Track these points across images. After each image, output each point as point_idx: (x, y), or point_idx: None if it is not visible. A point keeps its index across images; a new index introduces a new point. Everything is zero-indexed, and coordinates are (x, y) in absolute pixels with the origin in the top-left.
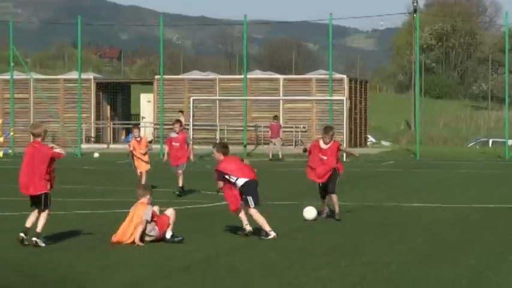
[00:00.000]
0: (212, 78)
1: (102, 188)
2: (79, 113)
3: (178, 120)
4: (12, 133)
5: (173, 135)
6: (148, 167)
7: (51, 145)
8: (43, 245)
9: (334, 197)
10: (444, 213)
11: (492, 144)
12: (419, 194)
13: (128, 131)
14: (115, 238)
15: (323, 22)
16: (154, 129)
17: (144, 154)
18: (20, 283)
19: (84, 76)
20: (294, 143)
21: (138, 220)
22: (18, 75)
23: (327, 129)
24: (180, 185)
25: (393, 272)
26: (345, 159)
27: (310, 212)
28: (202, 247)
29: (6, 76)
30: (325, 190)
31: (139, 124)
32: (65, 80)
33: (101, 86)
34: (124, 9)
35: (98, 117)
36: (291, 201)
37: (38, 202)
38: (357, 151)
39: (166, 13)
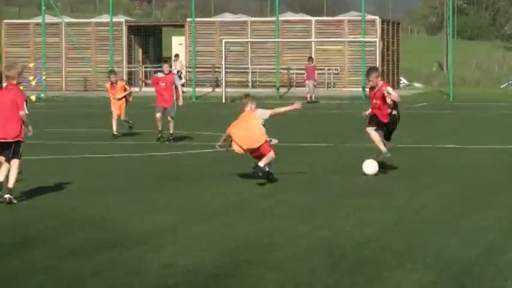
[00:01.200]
0: (244, 20)
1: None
2: (111, 56)
3: (167, 62)
4: (44, 77)
5: (160, 74)
6: (121, 111)
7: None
8: (15, 202)
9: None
10: (479, 155)
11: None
12: (453, 136)
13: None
14: (239, 149)
15: None
16: (187, 72)
17: (120, 99)
18: (59, 226)
19: (115, 19)
20: (326, 85)
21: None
22: (49, 19)
23: (369, 71)
24: (171, 131)
25: (430, 214)
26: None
27: (369, 167)
28: (237, 190)
29: (38, 20)
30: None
31: (168, 61)
32: (96, 23)
33: (132, 29)
34: None
35: (129, 61)
36: (324, 143)
37: (7, 149)
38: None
39: None
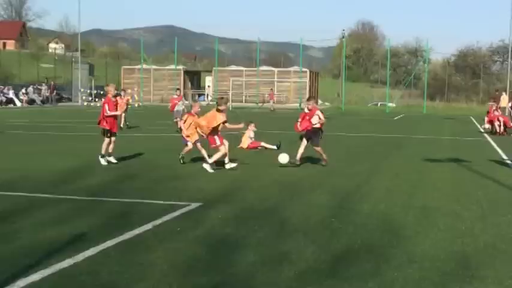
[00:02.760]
0: (241, 69)
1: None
2: (174, 85)
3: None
4: (139, 95)
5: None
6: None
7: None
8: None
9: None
10: (359, 139)
11: (380, 105)
12: (345, 129)
13: (199, 95)
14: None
15: (297, 42)
16: (211, 99)
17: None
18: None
19: (177, 67)
20: (282, 103)
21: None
22: (145, 67)
23: (309, 98)
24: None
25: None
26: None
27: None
28: (267, 173)
29: (138, 66)
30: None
31: (203, 94)
32: (168, 69)
33: (186, 73)
34: (198, 34)
35: (184, 88)
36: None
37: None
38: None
39: (219, 36)
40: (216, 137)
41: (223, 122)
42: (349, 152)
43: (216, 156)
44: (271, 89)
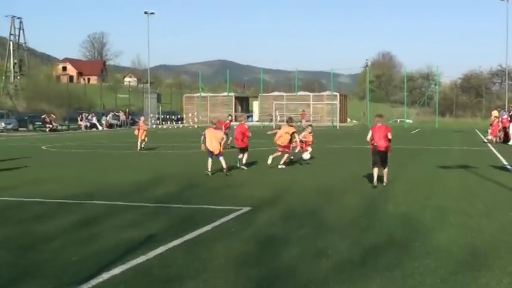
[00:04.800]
0: (282, 94)
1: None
2: (227, 110)
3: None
4: (199, 118)
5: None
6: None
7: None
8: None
9: None
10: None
11: (399, 121)
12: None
13: (248, 117)
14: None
15: (328, 71)
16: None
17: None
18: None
19: (229, 94)
20: (316, 122)
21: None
22: (203, 95)
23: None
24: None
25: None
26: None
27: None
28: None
29: (197, 94)
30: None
31: (251, 115)
32: (222, 96)
33: (236, 98)
34: (245, 66)
35: (235, 111)
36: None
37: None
38: (342, 124)
39: (263, 68)
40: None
41: (294, 133)
42: (354, 169)
43: (285, 158)
44: (303, 110)
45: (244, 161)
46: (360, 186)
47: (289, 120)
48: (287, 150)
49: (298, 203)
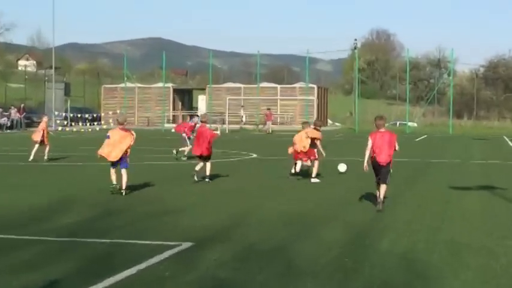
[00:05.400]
0: (239, 86)
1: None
2: (163, 106)
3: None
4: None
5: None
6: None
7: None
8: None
9: None
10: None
11: (399, 125)
12: (357, 153)
13: (191, 116)
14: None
15: (303, 55)
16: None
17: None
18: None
19: (166, 85)
20: (286, 123)
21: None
22: (128, 85)
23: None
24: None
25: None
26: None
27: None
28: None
29: (122, 85)
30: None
31: (196, 115)
32: (155, 88)
33: (175, 91)
34: (189, 47)
35: (174, 109)
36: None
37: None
38: (322, 128)
39: (213, 49)
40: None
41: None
42: (364, 179)
43: (316, 169)
44: (268, 109)
45: (208, 172)
46: (345, 212)
47: (315, 124)
48: (313, 157)
49: (260, 236)
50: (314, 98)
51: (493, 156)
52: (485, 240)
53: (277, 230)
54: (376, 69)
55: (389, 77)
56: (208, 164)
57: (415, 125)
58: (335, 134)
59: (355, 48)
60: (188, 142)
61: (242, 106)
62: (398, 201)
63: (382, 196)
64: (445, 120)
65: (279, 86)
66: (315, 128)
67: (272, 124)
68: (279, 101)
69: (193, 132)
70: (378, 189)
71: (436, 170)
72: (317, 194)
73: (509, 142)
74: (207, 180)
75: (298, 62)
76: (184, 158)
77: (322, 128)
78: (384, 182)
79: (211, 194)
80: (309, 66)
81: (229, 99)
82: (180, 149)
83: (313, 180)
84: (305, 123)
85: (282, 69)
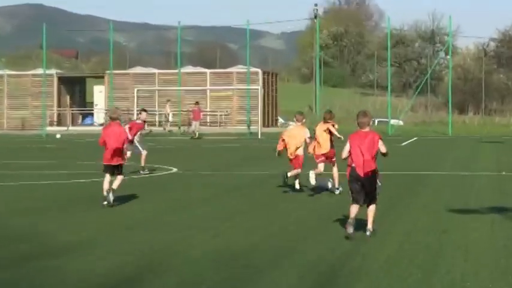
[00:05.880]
0: (153, 72)
1: (63, 161)
2: (43, 102)
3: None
4: None
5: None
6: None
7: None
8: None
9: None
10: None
11: (377, 123)
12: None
13: (84, 116)
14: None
15: (242, 27)
16: (106, 114)
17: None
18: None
19: (48, 72)
20: (218, 124)
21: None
22: None
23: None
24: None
25: (289, 239)
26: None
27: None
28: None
29: None
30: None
31: (91, 113)
32: (33, 75)
33: (62, 80)
34: (81, 18)
35: (59, 105)
36: (215, 171)
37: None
38: (269, 130)
39: (115, 20)
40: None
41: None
42: (330, 200)
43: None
44: (196, 103)
45: (115, 187)
46: (308, 245)
47: (327, 116)
48: (332, 158)
49: (182, 284)
50: (259, 87)
51: (510, 166)
52: (497, 285)
53: (205, 276)
54: (345, 46)
55: (365, 57)
56: (118, 179)
57: (401, 123)
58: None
59: (315, 16)
60: (141, 148)
61: (168, 100)
62: (380, 231)
63: (371, 222)
64: (442, 117)
65: (208, 71)
66: (325, 122)
67: (199, 125)
68: (208, 92)
69: (140, 135)
70: (351, 209)
71: (430, 186)
72: (268, 218)
73: None
74: (111, 199)
75: (235, 37)
76: (146, 172)
77: (270, 130)
78: (372, 202)
79: (116, 226)
80: (253, 43)
81: (138, 90)
82: (142, 164)
83: (337, 191)
84: (327, 115)
85: (214, 48)
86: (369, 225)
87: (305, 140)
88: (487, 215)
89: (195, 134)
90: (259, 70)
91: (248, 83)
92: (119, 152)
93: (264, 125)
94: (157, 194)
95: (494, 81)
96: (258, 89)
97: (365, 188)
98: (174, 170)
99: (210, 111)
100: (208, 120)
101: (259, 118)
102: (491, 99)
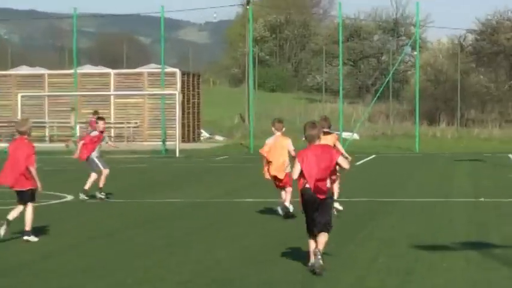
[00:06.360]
0: (41, 73)
1: None
2: None
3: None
4: None
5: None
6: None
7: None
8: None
9: None
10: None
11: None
12: (253, 189)
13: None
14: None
15: (155, 15)
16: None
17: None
18: None
19: None
20: (125, 139)
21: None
22: None
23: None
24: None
25: (223, 270)
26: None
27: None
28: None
29: None
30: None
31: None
32: None
33: None
34: None
35: None
36: (123, 198)
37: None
38: (191, 146)
39: None
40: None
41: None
42: (265, 238)
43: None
44: (95, 112)
45: (28, 225)
46: None
47: (323, 123)
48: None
49: None
50: (176, 92)
51: (489, 191)
52: None
53: None
54: (286, 40)
55: (310, 54)
56: (28, 209)
57: (356, 136)
58: (215, 157)
59: (247, 2)
60: (101, 165)
61: (73, 109)
62: (326, 274)
63: (321, 249)
64: (407, 128)
65: (113, 72)
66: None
67: None
68: (112, 98)
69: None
70: (309, 243)
71: (391, 216)
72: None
73: None
74: (26, 238)
75: (147, 29)
76: (103, 195)
77: (191, 146)
78: (324, 229)
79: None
80: (168, 36)
81: (22, 96)
82: (101, 185)
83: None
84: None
85: (119, 42)
86: (319, 251)
87: (289, 152)
88: (460, 252)
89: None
90: (177, 70)
91: (162, 87)
92: (23, 173)
93: (183, 140)
94: (42, 231)
95: (473, 84)
96: (175, 94)
97: (319, 210)
98: (69, 197)
99: (114, 123)
100: (112, 134)
101: (177, 131)
102: (468, 107)
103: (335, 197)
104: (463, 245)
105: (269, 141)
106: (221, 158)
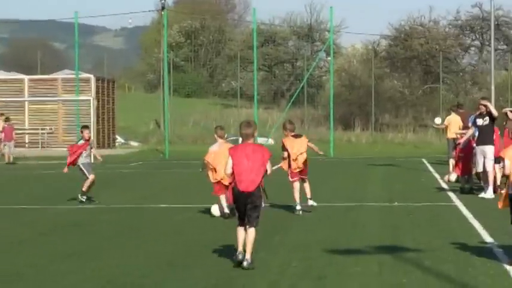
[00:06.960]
0: None
1: None
2: None
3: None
4: None
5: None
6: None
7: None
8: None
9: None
10: (194, 214)
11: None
12: (167, 195)
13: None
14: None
15: (70, 21)
16: None
17: None
18: None
19: None
20: (40, 145)
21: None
22: None
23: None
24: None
25: (138, 276)
26: None
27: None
28: None
29: None
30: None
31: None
32: None
33: None
34: None
35: None
36: (36, 205)
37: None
38: (105, 152)
39: None
40: None
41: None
42: (180, 243)
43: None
44: (7, 119)
45: None
46: None
47: (290, 126)
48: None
49: None
50: (91, 98)
51: (403, 194)
52: None
53: None
54: (201, 46)
55: (225, 59)
56: None
57: (271, 141)
58: (130, 163)
59: (162, 8)
60: (86, 172)
61: (2, 114)
62: None
63: (250, 249)
64: (322, 133)
65: (26, 78)
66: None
67: (14, 146)
68: (27, 104)
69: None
70: (238, 233)
71: (303, 221)
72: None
73: (431, 168)
74: None
75: (62, 34)
76: (84, 198)
77: (106, 152)
78: (252, 225)
79: None
80: (83, 41)
81: None
82: (83, 188)
83: (311, 202)
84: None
85: (34, 48)
86: (248, 255)
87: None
88: (374, 256)
89: (10, 159)
90: (91, 76)
91: (77, 93)
92: None
93: (98, 146)
94: None
95: (387, 89)
96: (90, 100)
97: (247, 206)
98: None
99: (29, 129)
100: (27, 141)
101: (92, 137)
102: (382, 112)
103: (308, 196)
104: (377, 249)
105: (213, 148)
106: (136, 163)
